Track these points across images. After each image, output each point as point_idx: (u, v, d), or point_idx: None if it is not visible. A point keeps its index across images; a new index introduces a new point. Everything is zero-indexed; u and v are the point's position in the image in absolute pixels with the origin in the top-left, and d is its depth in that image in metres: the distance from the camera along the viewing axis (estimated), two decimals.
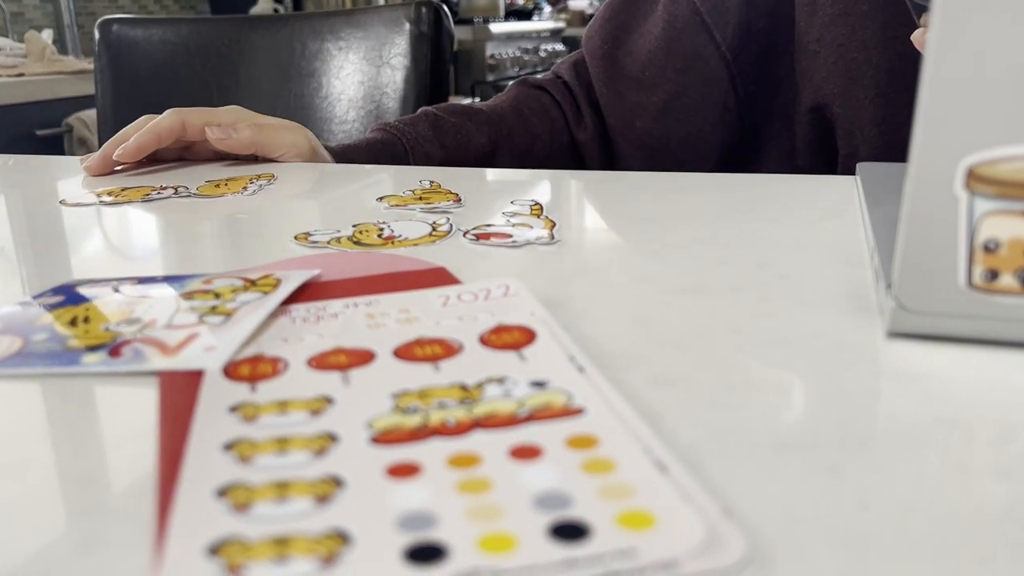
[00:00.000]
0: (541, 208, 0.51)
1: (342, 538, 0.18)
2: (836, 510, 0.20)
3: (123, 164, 0.68)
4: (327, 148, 0.71)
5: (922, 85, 0.26)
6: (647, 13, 0.75)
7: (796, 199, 0.52)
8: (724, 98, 0.72)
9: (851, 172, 0.67)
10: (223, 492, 0.20)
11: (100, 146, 0.68)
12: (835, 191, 0.53)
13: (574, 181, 0.62)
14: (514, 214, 0.49)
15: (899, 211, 0.28)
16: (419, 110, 0.78)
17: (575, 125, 0.81)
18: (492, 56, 3.02)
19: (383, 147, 0.73)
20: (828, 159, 0.70)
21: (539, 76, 0.84)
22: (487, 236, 0.44)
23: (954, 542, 0.19)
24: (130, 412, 0.26)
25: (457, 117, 0.76)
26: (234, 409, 0.25)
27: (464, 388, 0.25)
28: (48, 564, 0.19)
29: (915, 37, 0.46)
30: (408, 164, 0.72)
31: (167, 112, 0.67)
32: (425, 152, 0.74)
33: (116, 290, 0.36)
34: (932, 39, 0.26)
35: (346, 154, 0.71)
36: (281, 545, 0.18)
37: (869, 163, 0.54)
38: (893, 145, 0.64)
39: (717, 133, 0.73)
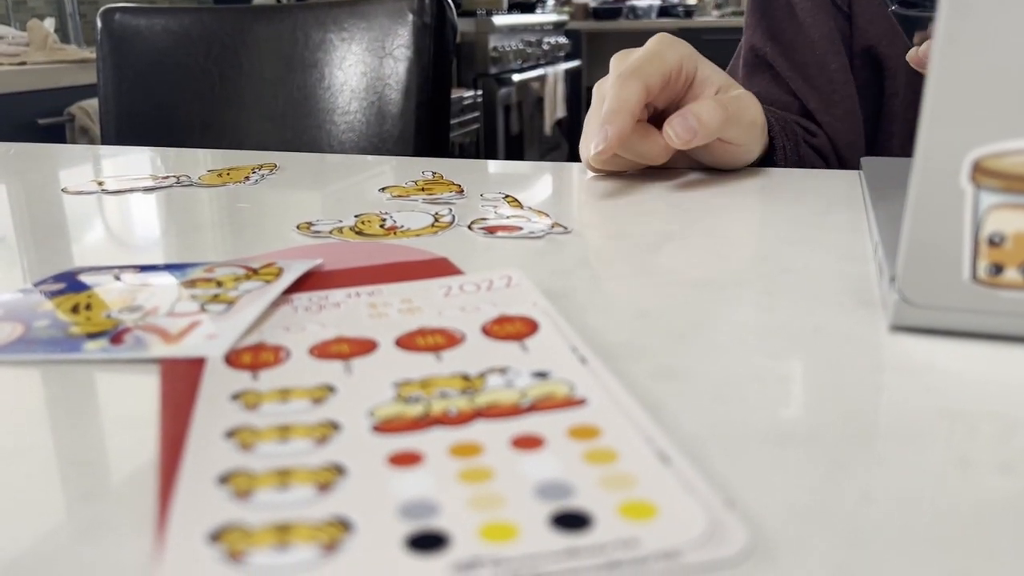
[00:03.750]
0: (516, 200, 0.50)
1: (343, 526, 0.18)
2: (838, 503, 0.20)
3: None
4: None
5: (929, 78, 0.26)
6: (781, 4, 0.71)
7: (800, 192, 0.52)
8: (846, 57, 0.68)
9: (897, 115, 0.66)
10: (225, 479, 0.20)
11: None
12: (839, 185, 0.53)
13: (576, 173, 0.61)
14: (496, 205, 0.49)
15: (903, 205, 0.28)
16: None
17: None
18: (495, 49, 3.02)
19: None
20: (877, 103, 0.69)
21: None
22: (495, 229, 0.44)
23: (956, 536, 0.19)
24: (131, 399, 0.26)
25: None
26: (236, 397, 0.25)
27: (466, 378, 0.25)
28: (52, 548, 0.19)
29: (911, 56, 0.44)
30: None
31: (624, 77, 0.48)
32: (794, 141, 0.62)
33: (118, 278, 0.36)
34: (939, 32, 0.25)
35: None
36: (283, 532, 0.18)
37: (873, 158, 0.53)
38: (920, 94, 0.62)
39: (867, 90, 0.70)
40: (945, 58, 0.26)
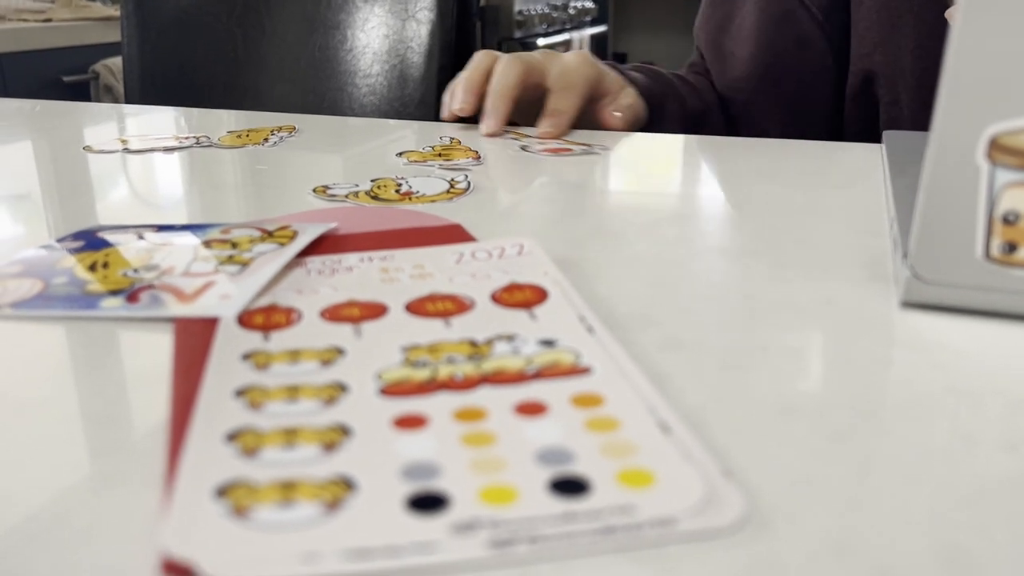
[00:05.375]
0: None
1: (347, 485, 0.19)
2: (837, 475, 0.20)
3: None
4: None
5: (948, 53, 0.26)
6: (743, 1, 0.75)
7: (820, 165, 0.51)
8: (822, 57, 0.71)
9: (894, 124, 0.66)
10: (233, 436, 0.21)
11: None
12: (860, 158, 0.52)
13: (596, 140, 0.61)
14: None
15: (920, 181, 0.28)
16: (632, 65, 0.73)
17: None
18: (520, 12, 2.98)
19: (654, 96, 0.69)
20: (871, 112, 0.69)
21: (681, 70, 0.82)
22: (553, 151, 0.50)
23: (953, 511, 0.19)
24: (146, 356, 0.27)
25: (677, 79, 0.74)
26: (247, 357, 0.25)
27: (474, 344, 0.26)
28: (67, 499, 0.19)
29: (949, 13, 0.45)
30: (662, 114, 0.69)
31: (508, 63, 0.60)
32: (672, 108, 0.71)
33: (136, 237, 0.36)
34: (959, 6, 0.25)
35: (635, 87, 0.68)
36: (287, 489, 0.19)
37: (896, 131, 0.53)
38: (933, 96, 0.63)
39: (819, 93, 0.72)
40: (964, 34, 0.25)
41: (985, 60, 0.25)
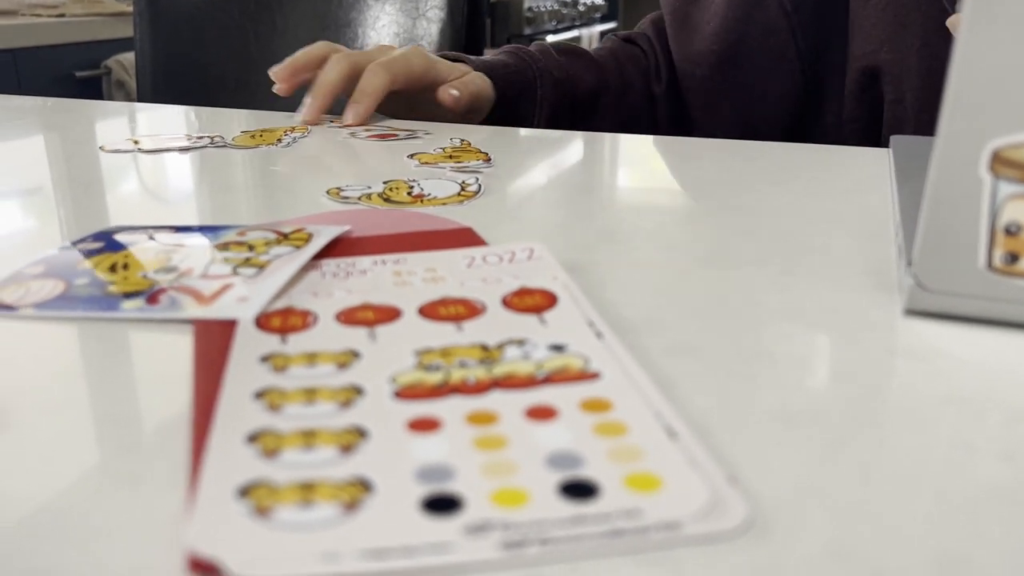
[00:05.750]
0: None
1: (364, 486, 0.19)
2: (838, 482, 0.21)
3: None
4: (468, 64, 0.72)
5: (952, 65, 0.26)
6: None
7: (828, 171, 0.52)
8: (783, 48, 0.72)
9: (898, 123, 0.67)
10: (253, 438, 0.21)
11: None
12: (867, 164, 0.52)
13: (606, 143, 0.62)
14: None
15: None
16: (531, 45, 0.77)
17: (653, 77, 0.82)
18: (530, 9, 2.98)
19: (516, 73, 0.72)
20: (875, 111, 0.69)
21: (630, 32, 0.86)
22: (377, 137, 0.57)
23: (953, 519, 0.20)
24: (166, 357, 0.27)
25: (566, 56, 0.77)
26: (265, 359, 0.26)
27: (485, 348, 0.26)
28: (90, 498, 0.20)
29: (951, 22, 0.46)
30: (533, 95, 0.72)
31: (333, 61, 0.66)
32: (552, 82, 0.74)
33: (153, 238, 0.37)
34: (964, 20, 0.25)
35: (484, 71, 0.71)
36: (307, 490, 0.19)
37: (903, 136, 0.53)
38: (938, 96, 0.63)
39: (778, 85, 0.73)
40: (968, 47, 0.26)
41: (988, 74, 0.26)
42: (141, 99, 1.21)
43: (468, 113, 0.68)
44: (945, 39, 0.63)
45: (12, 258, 0.35)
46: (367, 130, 0.63)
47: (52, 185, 0.50)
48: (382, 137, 0.61)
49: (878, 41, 0.67)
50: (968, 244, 0.28)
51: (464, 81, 0.66)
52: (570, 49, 0.78)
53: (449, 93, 0.65)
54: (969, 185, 0.27)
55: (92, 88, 1.88)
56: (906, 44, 0.65)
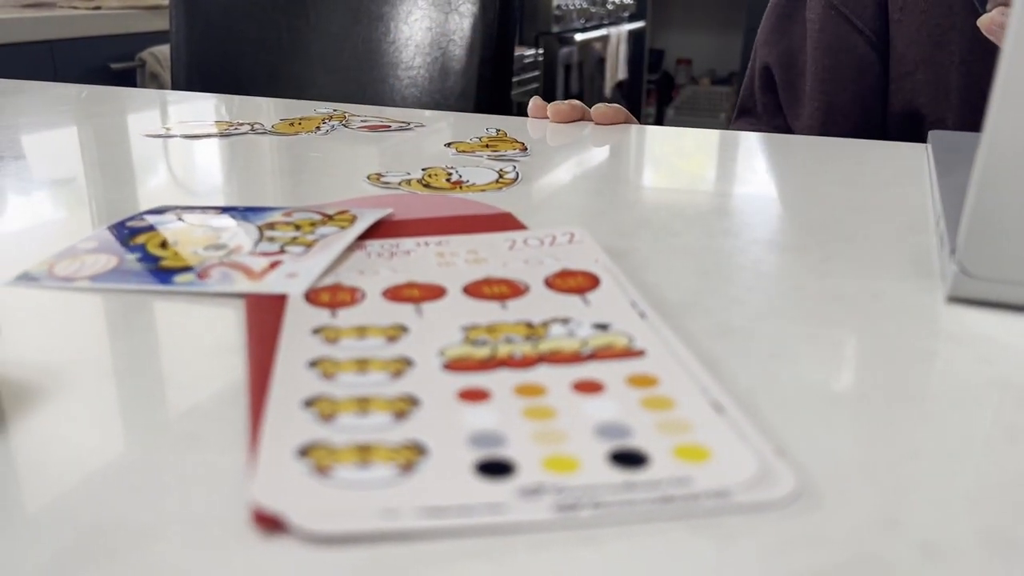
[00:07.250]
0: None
1: (419, 449, 0.20)
2: (884, 458, 0.21)
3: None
4: None
5: (1002, 56, 0.26)
6: (800, 24, 0.74)
7: (867, 164, 0.51)
8: (877, 80, 0.70)
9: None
10: (310, 403, 0.22)
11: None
12: (906, 157, 0.52)
13: (647, 134, 0.62)
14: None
15: (967, 179, 0.28)
16: None
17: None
18: (558, 7, 2.98)
19: None
20: (917, 130, 0.68)
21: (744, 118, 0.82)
22: (370, 128, 0.58)
23: (995, 497, 0.20)
24: (218, 329, 0.28)
25: None
26: (316, 331, 0.26)
27: (530, 325, 0.27)
28: (153, 456, 0.21)
29: (981, 22, 0.45)
30: None
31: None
32: None
33: (200, 218, 0.38)
34: (1015, 11, 0.26)
35: None
36: (364, 452, 0.20)
37: (941, 131, 0.53)
38: (978, 113, 0.62)
39: (873, 115, 0.71)
40: (1019, 36, 0.26)
41: None
42: (174, 91, 1.22)
43: None
44: (983, 56, 0.62)
45: (64, 236, 0.36)
46: (362, 120, 0.64)
47: (99, 168, 0.51)
48: (375, 128, 0.62)
49: (913, 63, 0.65)
50: (1013, 231, 0.28)
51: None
52: None
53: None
54: (1016, 173, 0.27)
55: (126, 80, 1.90)
56: (943, 64, 0.63)
